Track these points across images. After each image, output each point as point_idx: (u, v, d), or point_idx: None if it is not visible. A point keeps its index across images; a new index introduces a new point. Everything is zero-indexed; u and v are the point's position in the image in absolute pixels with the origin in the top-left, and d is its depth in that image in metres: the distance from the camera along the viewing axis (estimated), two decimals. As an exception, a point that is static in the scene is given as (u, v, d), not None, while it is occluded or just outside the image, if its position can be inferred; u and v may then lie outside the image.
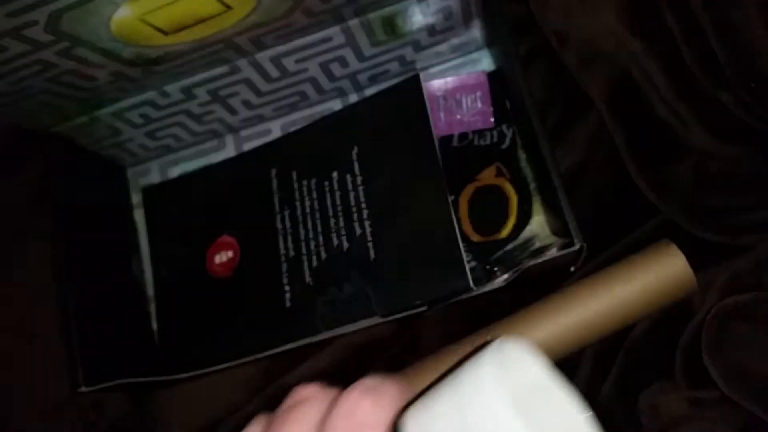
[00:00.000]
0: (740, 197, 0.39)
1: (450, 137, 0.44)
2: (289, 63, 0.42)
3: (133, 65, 0.37)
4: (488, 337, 0.40)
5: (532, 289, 0.43)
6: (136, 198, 0.50)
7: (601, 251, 0.42)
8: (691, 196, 0.40)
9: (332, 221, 0.43)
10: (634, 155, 0.41)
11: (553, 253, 0.36)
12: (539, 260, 0.35)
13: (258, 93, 0.44)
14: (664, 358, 0.40)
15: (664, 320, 0.40)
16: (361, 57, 0.43)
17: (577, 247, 0.35)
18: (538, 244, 0.41)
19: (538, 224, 0.42)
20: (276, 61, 0.41)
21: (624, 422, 0.40)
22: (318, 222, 0.43)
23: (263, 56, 0.41)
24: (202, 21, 0.34)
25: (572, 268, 0.42)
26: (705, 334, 0.34)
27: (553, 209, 0.39)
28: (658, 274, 0.38)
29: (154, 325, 0.47)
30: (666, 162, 0.41)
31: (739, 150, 0.39)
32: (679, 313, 0.40)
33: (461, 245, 0.38)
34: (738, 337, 0.33)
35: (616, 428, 0.40)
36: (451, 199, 0.40)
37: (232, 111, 0.46)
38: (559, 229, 0.38)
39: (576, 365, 0.41)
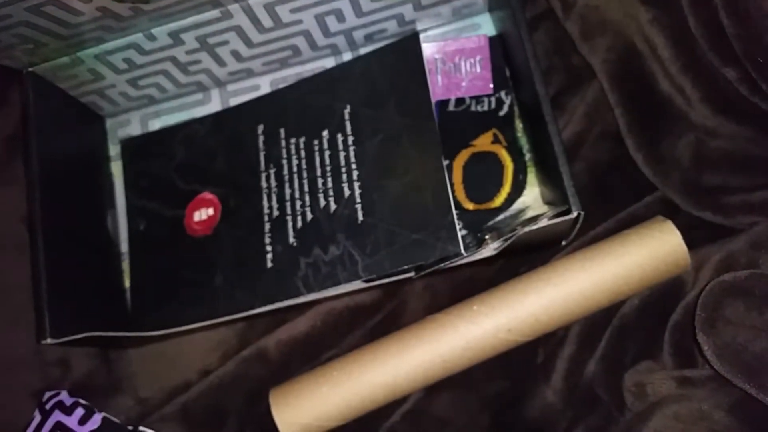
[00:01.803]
0: (739, 177, 0.39)
1: (446, 101, 0.42)
2: (283, 12, 0.40)
3: (122, 1, 0.35)
4: (474, 307, 0.39)
5: (521, 262, 0.42)
6: (113, 150, 0.48)
7: (593, 226, 0.41)
8: (689, 174, 0.39)
9: (320, 181, 0.41)
10: (633, 129, 0.41)
11: (547, 220, 0.35)
12: (534, 227, 0.34)
13: (248, 43, 0.42)
14: (651, 336, 0.39)
15: (654, 298, 0.39)
16: (359, 12, 0.41)
17: (574, 214, 0.34)
18: (530, 215, 0.40)
19: (532, 196, 0.41)
20: (270, 8, 0.39)
21: (609, 401, 0.39)
22: (305, 182, 0.42)
23: (257, 2, 0.39)
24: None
25: (563, 242, 0.41)
26: (700, 310, 0.34)
27: (549, 178, 0.38)
28: (652, 250, 0.38)
29: (126, 283, 0.45)
30: (665, 138, 0.40)
31: (741, 129, 0.39)
32: (669, 292, 0.39)
33: (454, 210, 0.37)
34: (733, 314, 0.33)
35: (601, 407, 0.39)
36: (445, 164, 0.39)
37: (221, 62, 0.44)
38: (555, 199, 0.37)
39: (561, 341, 0.41)
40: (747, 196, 0.38)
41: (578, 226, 0.36)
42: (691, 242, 0.37)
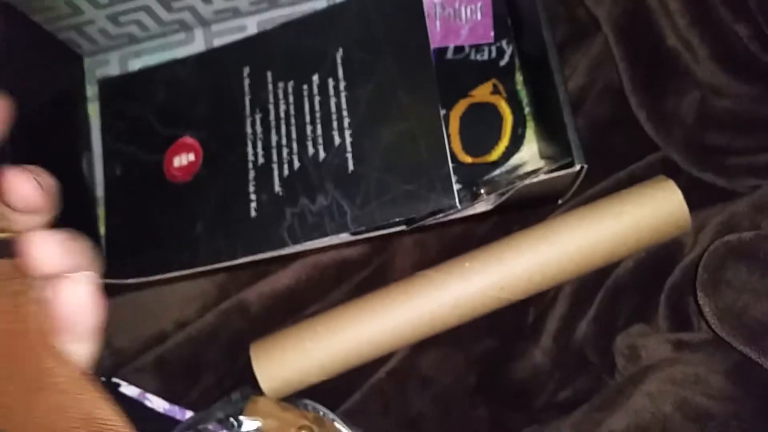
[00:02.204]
0: (743, 138, 0.38)
1: (445, 49, 0.40)
2: (275, -55, 0.37)
3: None
4: (467, 264, 0.38)
5: (515, 220, 0.41)
6: (91, 90, 0.46)
7: (591, 185, 0.40)
8: (692, 132, 0.38)
9: (309, 128, 0.39)
10: (637, 85, 0.39)
11: (549, 173, 0.33)
12: (534, 179, 0.33)
13: (237, -22, 0.40)
14: (646, 299, 0.38)
15: (650, 260, 0.38)
16: (355, -52, 0.39)
17: (577, 167, 0.32)
18: (528, 170, 0.38)
19: (529, 152, 0.39)
20: (261, -60, 0.37)
21: (599, 363, 0.38)
22: (293, 128, 0.40)
23: (247, -69, 0.36)
24: None
25: (560, 201, 0.40)
26: (702, 271, 0.33)
27: (550, 131, 0.36)
28: (652, 209, 0.36)
29: (102, 229, 0.43)
30: (670, 95, 0.39)
31: (749, 88, 0.37)
32: (666, 254, 0.38)
33: (450, 161, 0.35)
34: (736, 277, 0.32)
35: (590, 369, 0.39)
36: (442, 113, 0.37)
37: (206, -2, 0.41)
38: (555, 153, 0.36)
39: (553, 301, 0.40)
40: (751, 158, 0.37)
41: (579, 181, 0.35)
42: (691, 204, 0.36)
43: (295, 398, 0.38)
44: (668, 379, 0.33)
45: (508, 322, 0.40)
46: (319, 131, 0.39)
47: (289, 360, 0.37)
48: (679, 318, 0.36)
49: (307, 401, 0.38)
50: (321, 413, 0.38)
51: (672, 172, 0.38)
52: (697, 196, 0.37)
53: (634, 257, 0.38)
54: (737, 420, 0.31)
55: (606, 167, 0.40)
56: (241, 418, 0.37)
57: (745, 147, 0.37)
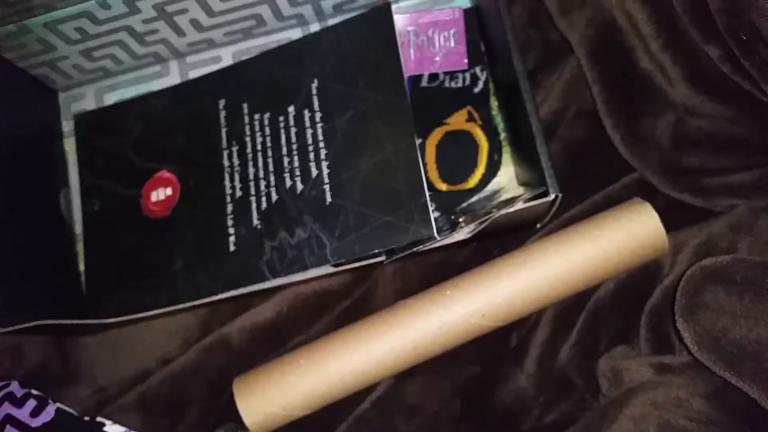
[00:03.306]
0: (719, 158, 0.38)
1: (419, 77, 0.40)
2: (246, -21, 0.37)
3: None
4: (448, 292, 0.38)
5: (495, 245, 0.41)
6: (67, 126, 0.46)
7: (568, 209, 0.40)
8: (668, 154, 0.38)
9: (286, 160, 0.39)
10: (612, 108, 0.39)
11: (524, 202, 0.33)
12: (510, 209, 0.33)
13: (209, 12, 0.40)
14: (627, 321, 0.38)
15: (630, 282, 0.38)
16: (327, -21, 0.39)
17: (551, 197, 0.33)
18: (505, 197, 0.38)
19: (506, 177, 0.40)
20: (231, -26, 0.37)
21: (583, 386, 0.38)
22: (270, 160, 0.40)
23: (217, -33, 0.36)
24: None
25: (538, 225, 0.40)
26: (680, 295, 0.33)
27: (525, 158, 0.36)
28: (629, 233, 0.36)
29: (81, 266, 0.43)
30: (644, 117, 0.39)
31: (722, 108, 0.37)
32: (645, 276, 0.38)
33: (427, 191, 0.35)
34: (714, 301, 0.32)
35: (574, 392, 0.39)
36: (417, 142, 0.37)
37: (179, 31, 0.41)
38: (531, 180, 0.36)
39: (535, 326, 0.39)
40: (726, 178, 0.37)
41: (555, 208, 0.35)
42: (668, 225, 0.36)
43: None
44: (651, 403, 0.33)
45: (492, 348, 0.40)
46: (296, 163, 0.39)
47: (273, 395, 0.37)
48: (660, 340, 0.36)
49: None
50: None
51: (648, 193, 0.38)
52: (674, 217, 0.37)
53: (614, 280, 0.38)
54: (720, 443, 0.31)
55: (582, 190, 0.40)
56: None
57: (720, 167, 0.37)
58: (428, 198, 0.35)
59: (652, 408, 0.34)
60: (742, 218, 0.36)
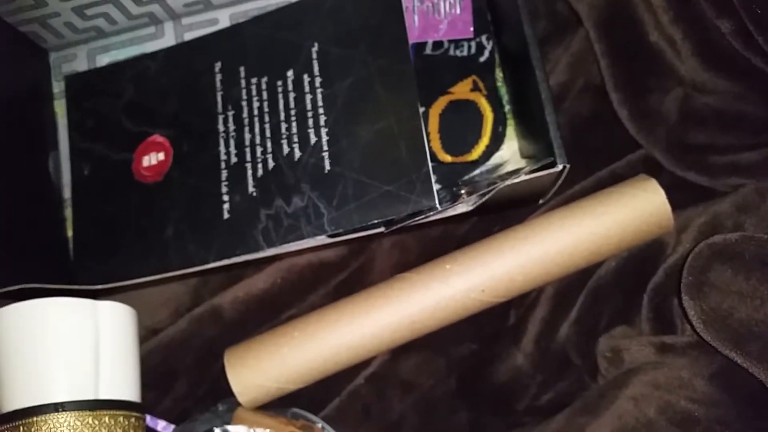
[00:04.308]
0: (727, 136, 0.37)
1: (423, 44, 0.39)
2: (246, -65, 0.36)
3: None
4: (447, 266, 0.37)
5: (496, 221, 0.40)
6: (57, 87, 0.44)
7: (572, 185, 0.39)
8: (675, 130, 0.37)
9: (283, 126, 0.38)
10: (619, 82, 0.38)
11: (530, 173, 0.32)
12: (515, 180, 0.32)
13: (207, -30, 0.38)
14: (628, 300, 0.38)
15: (632, 261, 0.37)
16: (330, -61, 0.37)
17: (559, 167, 0.32)
18: (508, 169, 0.37)
19: (510, 151, 0.39)
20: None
21: (581, 366, 0.38)
22: (267, 126, 0.38)
23: None
24: None
25: (540, 201, 0.39)
26: (687, 273, 0.32)
27: (531, 131, 0.35)
28: (634, 209, 0.36)
29: (69, 232, 0.42)
30: (652, 92, 0.38)
31: (732, 85, 0.37)
32: (648, 254, 0.37)
33: (429, 161, 0.34)
34: (721, 279, 0.31)
35: (572, 371, 0.38)
36: (420, 111, 0.36)
37: (176, -9, 0.40)
38: (536, 152, 0.35)
39: (534, 303, 0.39)
40: (733, 156, 0.37)
41: (560, 181, 0.34)
42: (674, 203, 0.36)
43: (282, 407, 0.37)
44: (652, 383, 0.33)
45: (489, 325, 0.39)
46: (294, 129, 0.38)
47: (265, 367, 0.36)
48: (663, 320, 0.36)
49: (296, 410, 0.37)
50: (310, 421, 0.37)
51: (654, 171, 0.38)
52: (679, 196, 0.36)
53: (616, 257, 0.38)
54: (721, 425, 0.31)
55: (587, 166, 0.39)
56: (228, 428, 0.35)
57: (727, 145, 0.37)
58: (431, 168, 0.34)
59: (653, 388, 0.33)
60: (748, 198, 0.35)
